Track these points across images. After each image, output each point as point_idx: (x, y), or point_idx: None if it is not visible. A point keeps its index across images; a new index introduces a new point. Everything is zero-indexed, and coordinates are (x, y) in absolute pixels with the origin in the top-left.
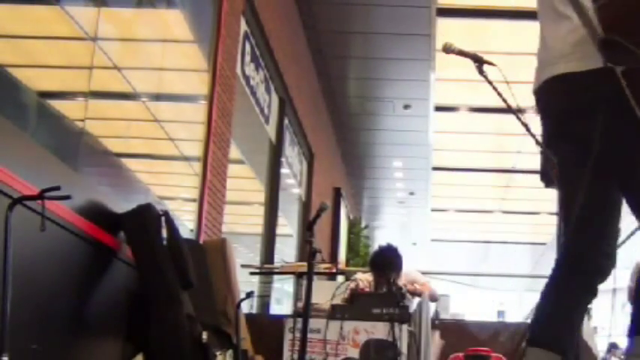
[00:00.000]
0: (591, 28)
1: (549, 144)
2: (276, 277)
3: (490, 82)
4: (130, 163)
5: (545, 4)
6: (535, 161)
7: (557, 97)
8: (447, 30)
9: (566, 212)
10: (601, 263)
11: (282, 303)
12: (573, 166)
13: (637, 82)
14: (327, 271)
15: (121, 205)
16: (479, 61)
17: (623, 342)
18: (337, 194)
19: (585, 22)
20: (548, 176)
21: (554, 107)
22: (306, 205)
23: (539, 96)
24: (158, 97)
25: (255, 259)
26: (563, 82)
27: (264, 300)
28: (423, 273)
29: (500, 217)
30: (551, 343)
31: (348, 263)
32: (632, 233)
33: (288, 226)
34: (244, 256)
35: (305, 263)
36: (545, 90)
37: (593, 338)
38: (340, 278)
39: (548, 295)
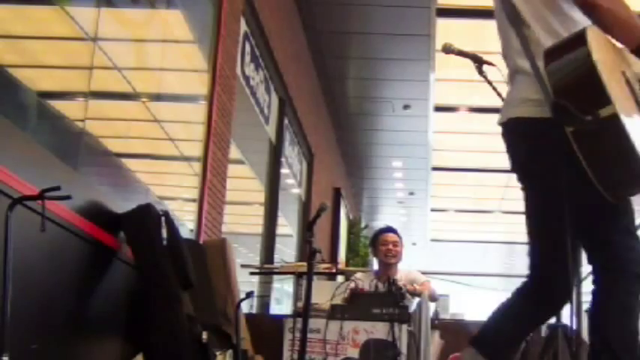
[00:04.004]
0: (545, 88)
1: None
2: (276, 277)
3: (490, 82)
4: (130, 163)
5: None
6: None
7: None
8: (447, 30)
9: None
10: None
11: (282, 303)
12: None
13: (584, 144)
14: (326, 271)
15: (121, 205)
16: (478, 62)
17: None
18: (337, 194)
19: (540, 81)
20: None
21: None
22: (306, 205)
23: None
24: (158, 97)
25: (255, 259)
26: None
27: (264, 300)
28: (423, 273)
29: (500, 217)
30: (492, 355)
31: (347, 263)
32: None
33: (288, 226)
34: (244, 256)
35: (305, 263)
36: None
37: None
38: (340, 278)
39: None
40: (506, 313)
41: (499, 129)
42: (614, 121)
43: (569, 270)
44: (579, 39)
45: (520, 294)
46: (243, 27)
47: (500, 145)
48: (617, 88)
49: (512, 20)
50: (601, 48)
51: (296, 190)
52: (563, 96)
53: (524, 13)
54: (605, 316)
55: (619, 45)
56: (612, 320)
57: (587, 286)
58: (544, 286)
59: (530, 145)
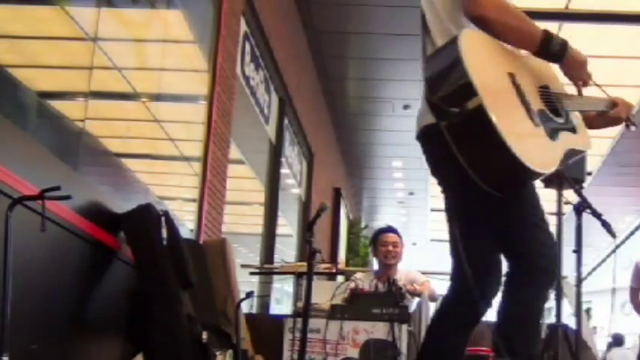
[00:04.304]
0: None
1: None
2: (276, 277)
3: None
4: (130, 163)
5: None
6: None
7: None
8: None
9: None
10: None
11: (282, 303)
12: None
13: (457, 137)
14: (326, 271)
15: (121, 205)
16: None
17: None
18: (337, 194)
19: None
20: (546, 177)
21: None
22: (306, 205)
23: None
24: (158, 97)
25: (255, 259)
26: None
27: (264, 300)
28: (423, 273)
29: None
30: None
31: (347, 263)
32: (632, 234)
33: (288, 226)
34: (244, 256)
35: (305, 263)
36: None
37: (592, 338)
38: (340, 278)
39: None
40: (440, 328)
41: None
42: (480, 111)
43: (490, 272)
44: (453, 40)
45: (446, 301)
46: (243, 27)
47: None
48: (489, 83)
49: (423, 29)
50: (477, 48)
51: (296, 190)
52: (436, 92)
53: (431, 25)
54: (506, 308)
55: (523, 52)
56: (511, 310)
57: (586, 287)
58: (467, 287)
59: (437, 152)
